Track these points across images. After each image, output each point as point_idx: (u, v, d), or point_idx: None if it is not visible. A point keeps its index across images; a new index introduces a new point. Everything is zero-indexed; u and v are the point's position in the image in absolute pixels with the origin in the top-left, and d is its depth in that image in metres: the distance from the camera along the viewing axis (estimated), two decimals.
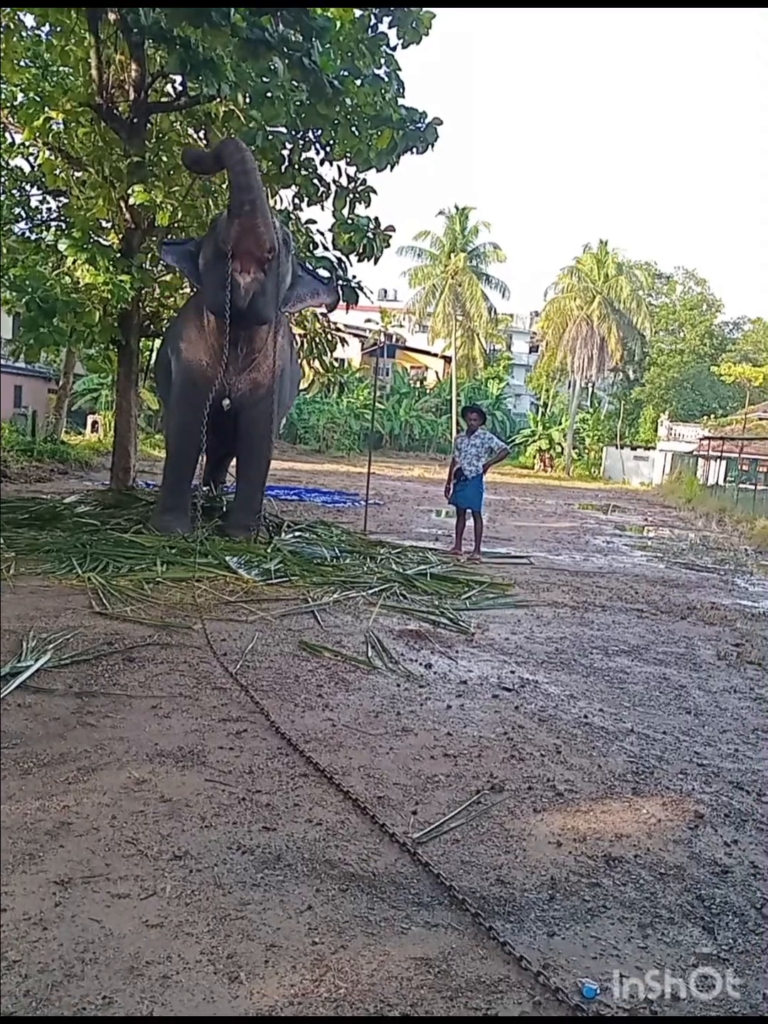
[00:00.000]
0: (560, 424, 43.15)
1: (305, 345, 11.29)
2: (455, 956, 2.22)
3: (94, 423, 25.67)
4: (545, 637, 6.02)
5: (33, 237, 11.10)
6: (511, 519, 15.15)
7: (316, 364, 11.63)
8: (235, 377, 8.11)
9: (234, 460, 9.13)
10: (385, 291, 49.43)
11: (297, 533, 9.24)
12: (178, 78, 9.21)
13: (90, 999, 1.94)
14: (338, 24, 7.22)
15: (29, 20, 9.85)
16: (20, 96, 9.91)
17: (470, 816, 3.03)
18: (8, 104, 10.02)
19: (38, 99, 9.09)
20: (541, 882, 2.63)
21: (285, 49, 6.02)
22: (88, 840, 2.63)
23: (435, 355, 46.90)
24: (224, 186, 9.94)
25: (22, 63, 9.72)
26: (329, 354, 11.53)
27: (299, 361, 11.19)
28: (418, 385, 46.87)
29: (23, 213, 11.11)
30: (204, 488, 10.90)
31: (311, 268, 8.89)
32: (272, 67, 6.24)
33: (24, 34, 9.60)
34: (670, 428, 38.11)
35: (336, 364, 12.33)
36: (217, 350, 7.97)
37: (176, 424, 8.85)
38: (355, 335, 35.76)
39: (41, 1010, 1.90)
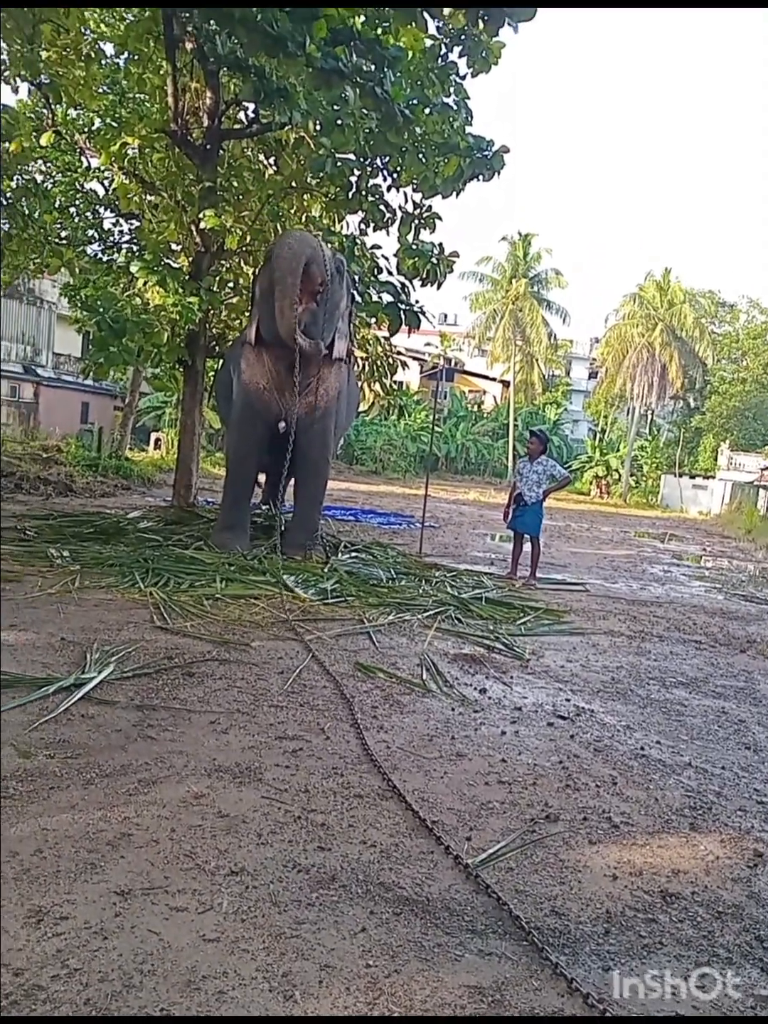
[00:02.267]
0: (618, 451, 42.68)
1: (366, 368, 11.40)
2: (509, 986, 2.21)
3: (157, 440, 26.14)
4: (601, 666, 5.96)
5: (105, 259, 11.42)
6: (567, 545, 15.02)
7: (376, 386, 11.72)
8: (292, 401, 8.25)
9: (292, 480, 9.28)
10: (446, 315, 49.53)
11: (353, 553, 9.29)
12: (251, 106, 9.44)
13: (148, 1011, 1.98)
14: (410, 54, 7.35)
15: (109, 48, 10.21)
16: (97, 122, 10.27)
17: (525, 845, 3.01)
18: (86, 129, 10.36)
19: (115, 125, 9.39)
20: (596, 915, 2.60)
21: (358, 78, 6.14)
22: (147, 852, 2.68)
23: (493, 379, 46.87)
24: (293, 211, 10.16)
25: (100, 90, 10.08)
26: (389, 377, 11.62)
27: (359, 384, 11.30)
28: (476, 409, 46.81)
29: (96, 235, 11.43)
30: (264, 507, 11.05)
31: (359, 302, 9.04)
32: (344, 96, 6.38)
33: (104, 62, 9.93)
34: (730, 457, 37.46)
35: (396, 387, 12.40)
36: (274, 374, 8.15)
37: (234, 445, 9.07)
38: (415, 358, 35.90)
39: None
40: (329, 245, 8.47)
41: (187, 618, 5.83)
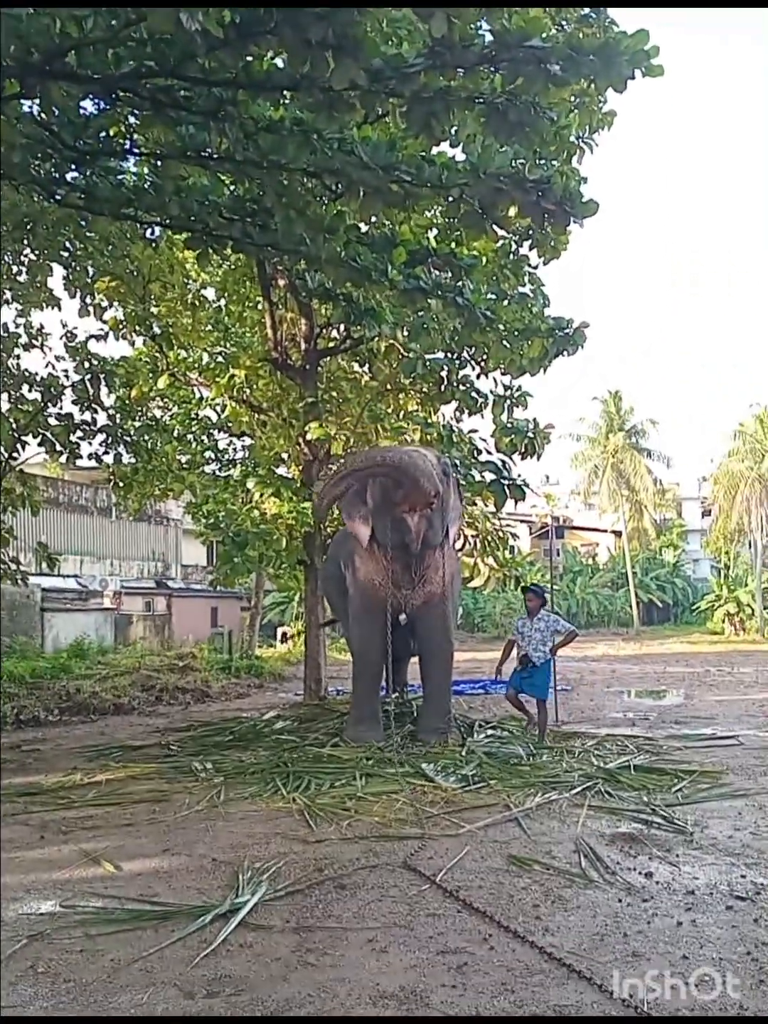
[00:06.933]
0: (746, 585, 41.06)
1: (478, 544, 11.58)
2: None
3: (283, 634, 26.77)
4: None
5: (222, 475, 12.25)
6: (709, 694, 14.27)
7: (490, 561, 11.83)
8: (410, 593, 8.55)
9: (416, 659, 9.37)
10: (547, 476, 50.10)
11: (489, 732, 9.13)
12: (343, 325, 10.24)
13: None
14: (483, 259, 7.92)
15: (210, 293, 11.40)
16: (206, 357, 11.32)
17: None
18: (196, 366, 11.42)
19: (223, 360, 10.35)
20: None
21: (439, 292, 6.66)
22: None
23: (604, 530, 46.60)
24: (390, 410, 10.75)
25: (206, 328, 11.18)
26: (502, 550, 11.75)
27: (474, 559, 11.48)
28: (590, 561, 46.37)
29: (213, 455, 12.33)
30: (393, 694, 11.03)
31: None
32: (427, 305, 6.92)
33: (208, 306, 11.07)
34: None
35: (508, 556, 12.48)
36: (389, 572, 8.43)
37: (357, 640, 9.29)
38: (522, 521, 36.17)
39: None
40: (435, 450, 8.80)
41: (332, 822, 5.80)
